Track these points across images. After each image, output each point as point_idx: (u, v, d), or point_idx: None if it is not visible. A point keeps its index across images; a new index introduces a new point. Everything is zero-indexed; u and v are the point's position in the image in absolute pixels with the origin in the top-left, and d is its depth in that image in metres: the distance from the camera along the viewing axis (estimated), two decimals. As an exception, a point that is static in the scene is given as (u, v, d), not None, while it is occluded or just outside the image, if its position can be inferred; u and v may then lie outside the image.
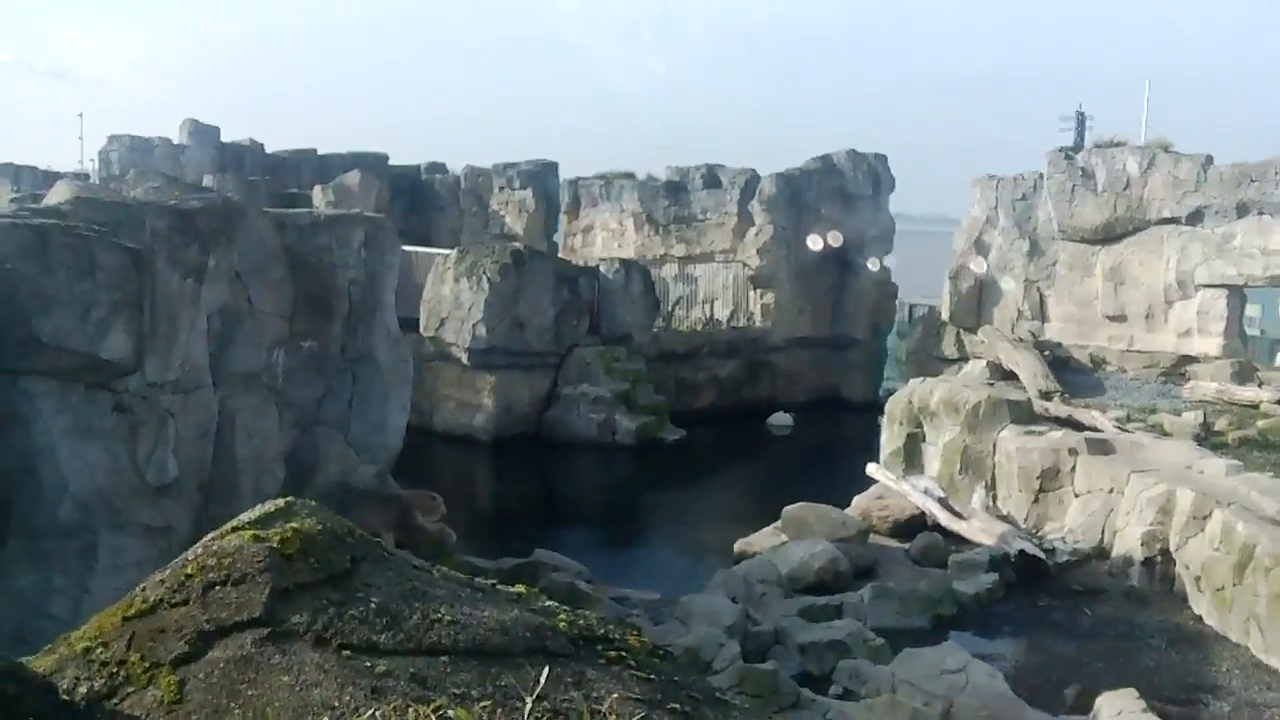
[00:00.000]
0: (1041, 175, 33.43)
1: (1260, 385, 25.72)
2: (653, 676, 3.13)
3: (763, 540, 20.14)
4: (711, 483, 29.58)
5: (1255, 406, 24.06)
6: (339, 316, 18.45)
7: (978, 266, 34.21)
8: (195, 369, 15.70)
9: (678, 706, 3.00)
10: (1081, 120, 36.08)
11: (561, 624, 3.27)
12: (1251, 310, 31.38)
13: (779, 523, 20.39)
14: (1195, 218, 30.01)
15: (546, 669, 2.71)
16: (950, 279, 34.98)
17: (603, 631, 3.30)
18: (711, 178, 40.40)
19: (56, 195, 16.88)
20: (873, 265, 39.19)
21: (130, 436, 14.25)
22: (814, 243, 37.95)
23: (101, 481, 13.78)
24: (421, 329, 31.33)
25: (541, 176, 44.66)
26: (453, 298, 31.28)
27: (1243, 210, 29.11)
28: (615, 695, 2.75)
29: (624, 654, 3.21)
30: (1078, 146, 34.31)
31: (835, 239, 38.06)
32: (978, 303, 34.58)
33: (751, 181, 39.17)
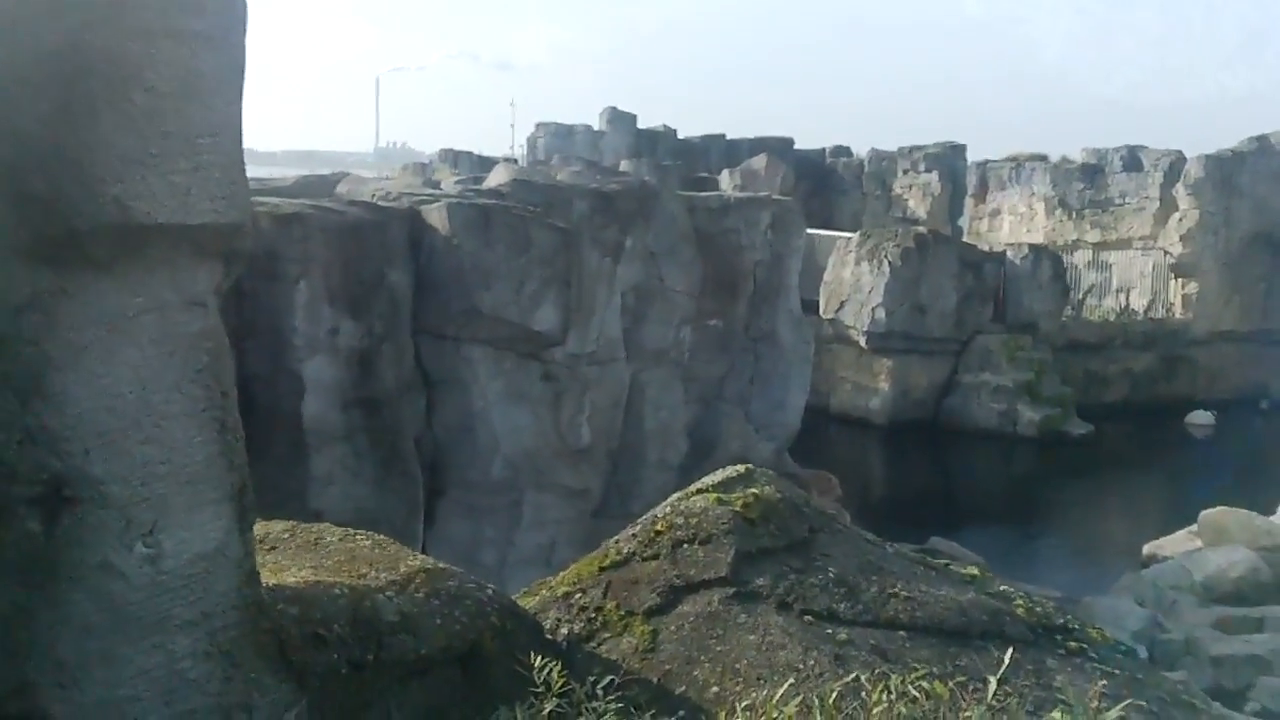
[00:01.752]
0: None
1: None
2: (1115, 671, 3.07)
3: (1175, 544, 19.04)
4: (1119, 481, 28.11)
5: None
6: (744, 296, 18.96)
7: None
8: (611, 342, 16.63)
9: (1144, 704, 2.92)
10: None
11: (1020, 609, 3.26)
12: None
13: (1194, 526, 19.21)
14: None
15: (1011, 651, 2.71)
16: None
17: (1062, 621, 3.27)
18: (1132, 159, 38.17)
19: (496, 178, 18.28)
20: None
21: (555, 403, 15.32)
22: None
23: (529, 444, 14.88)
24: (821, 311, 31.53)
25: (947, 159, 43.79)
26: (853, 280, 31.27)
27: None
28: (1097, 686, 2.70)
29: (1084, 646, 3.16)
30: None
31: None
32: None
33: (1177, 164, 36.70)
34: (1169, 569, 17.45)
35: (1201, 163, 35.99)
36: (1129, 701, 2.65)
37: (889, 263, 30.62)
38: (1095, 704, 2.51)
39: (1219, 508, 19.10)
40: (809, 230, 24.85)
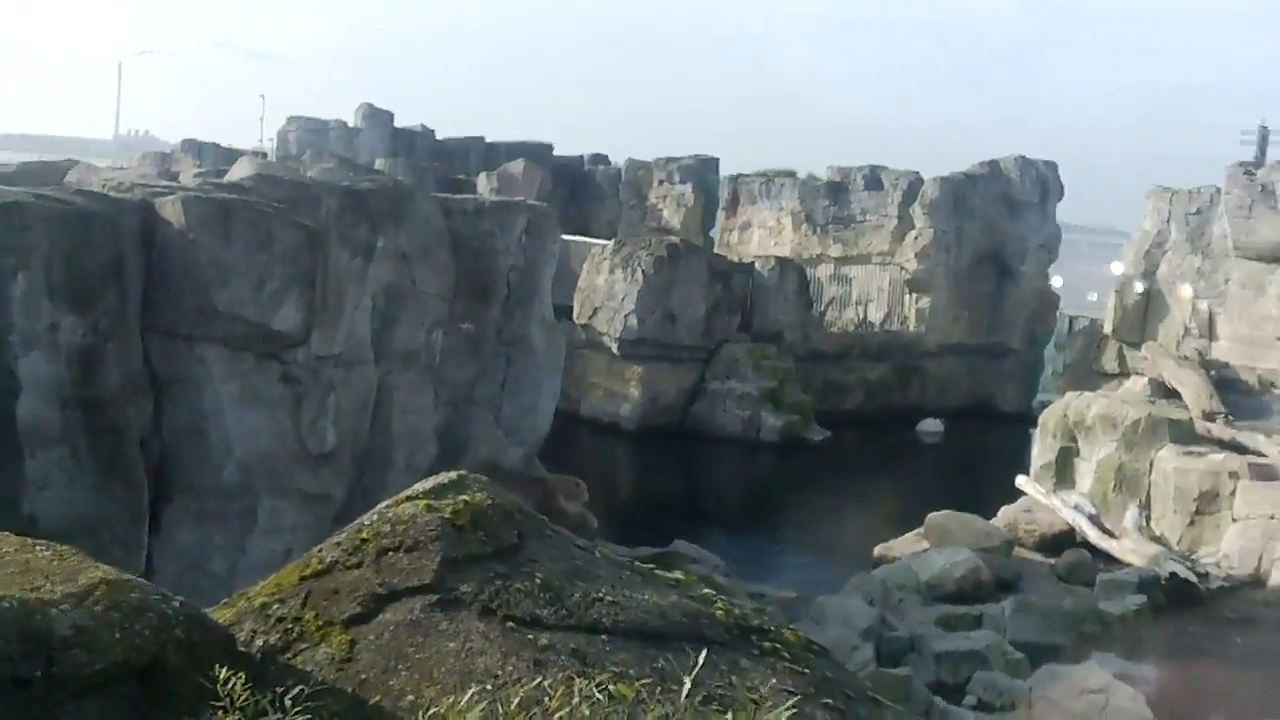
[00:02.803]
0: (1218, 190, 32.22)
1: None
2: (806, 670, 3.18)
3: (904, 546, 19.98)
4: (854, 485, 29.33)
5: None
6: (497, 300, 18.90)
7: (1140, 285, 33.21)
8: (358, 344, 16.28)
9: (830, 702, 3.04)
10: (1264, 135, 34.74)
11: (718, 612, 3.34)
12: None
13: (921, 529, 20.19)
14: (1379, 241, 28.60)
15: (704, 653, 2.78)
16: (1116, 292, 33.97)
17: (758, 623, 3.36)
18: (873, 179, 40.00)
19: (239, 171, 17.71)
20: (1056, 283, 38.52)
21: (295, 405, 14.86)
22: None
23: (265, 447, 14.39)
24: (574, 317, 31.77)
25: (702, 172, 44.82)
26: (607, 288, 31.64)
27: None
28: (768, 688, 2.80)
29: (778, 646, 3.26)
30: (1259, 162, 32.98)
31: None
32: (1143, 318, 33.50)
33: (914, 184, 38.68)
34: (897, 569, 18.27)
35: (937, 184, 38.00)
36: (798, 698, 2.76)
37: (642, 271, 31.12)
38: (769, 701, 2.60)
39: (944, 511, 20.11)
40: (564, 236, 25.02)
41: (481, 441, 18.68)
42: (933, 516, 20.03)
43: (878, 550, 20.19)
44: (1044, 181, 39.28)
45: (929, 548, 19.20)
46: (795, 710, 2.63)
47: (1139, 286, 33.46)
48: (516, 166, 42.14)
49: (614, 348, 31.48)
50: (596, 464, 27.67)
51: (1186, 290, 32.54)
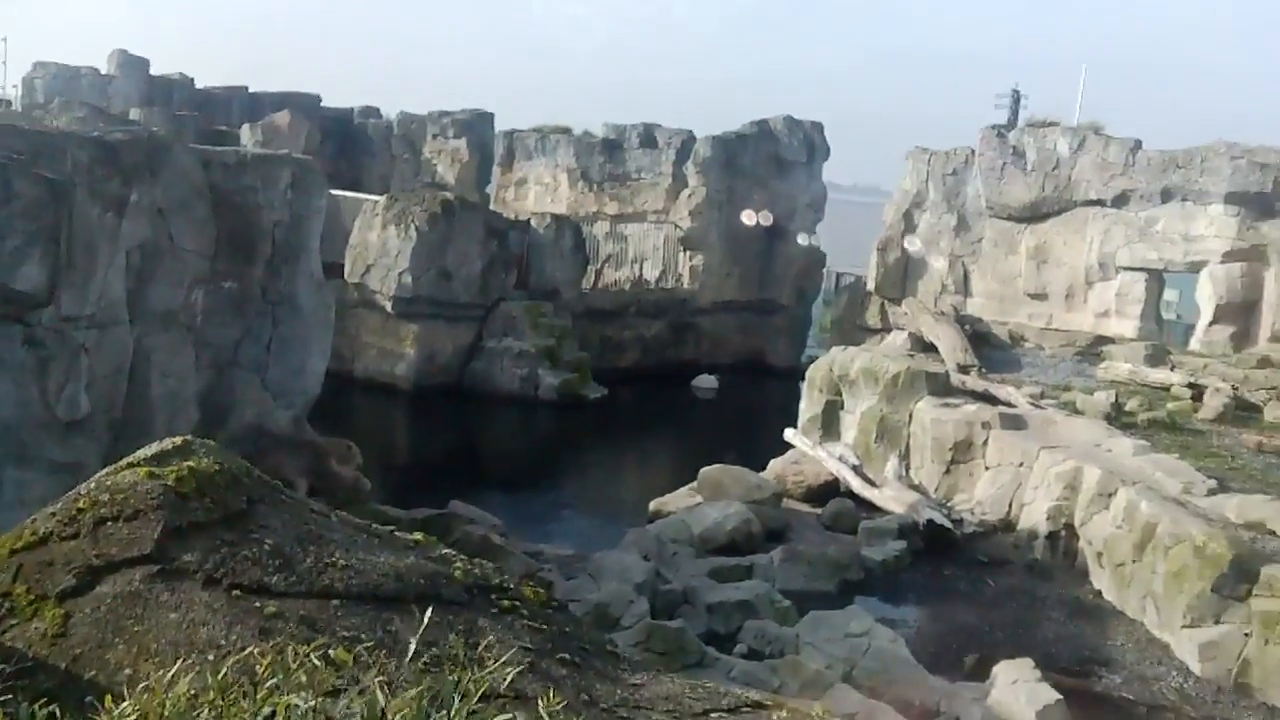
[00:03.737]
0: (973, 151, 33.77)
1: (1172, 369, 26.28)
2: (545, 627, 3.17)
3: (678, 500, 20.29)
4: (632, 442, 29.72)
5: (1166, 389, 24.59)
6: (261, 258, 18.22)
7: (910, 244, 34.57)
8: (111, 304, 15.45)
9: (567, 656, 3.03)
10: (1016, 99, 36.44)
11: (457, 572, 3.29)
12: (1169, 295, 32.10)
13: (695, 483, 20.54)
14: (1120, 201, 30.55)
15: (429, 612, 2.72)
16: (878, 250, 35.28)
17: (498, 581, 3.33)
18: (648, 137, 40.32)
19: (-27, 120, 16.47)
20: (803, 240, 39.47)
21: (41, 370, 14.00)
22: (747, 218, 38.16)
23: (8, 415, 13.54)
24: (346, 275, 31.03)
25: (477, 127, 44.26)
26: (379, 244, 30.99)
27: (1167, 196, 29.68)
28: (492, 639, 2.77)
29: (517, 604, 3.24)
30: (1011, 125, 34.68)
31: (766, 218, 38.30)
32: (903, 275, 34.95)
33: (687, 143, 39.17)
34: (671, 523, 18.55)
35: (709, 143, 38.58)
36: (532, 655, 2.75)
37: (416, 227, 30.59)
38: (499, 659, 2.58)
39: (717, 465, 20.50)
40: (333, 191, 24.34)
41: (247, 405, 18.06)
42: (705, 471, 20.41)
43: (653, 505, 20.46)
44: (811, 142, 40.37)
45: (702, 501, 19.56)
46: (523, 667, 2.61)
47: (903, 248, 34.82)
48: (282, 118, 40.71)
49: (388, 306, 30.91)
50: (371, 425, 27.18)
51: (942, 248, 34.05)
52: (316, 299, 19.27)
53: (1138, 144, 30.58)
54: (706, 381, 35.69)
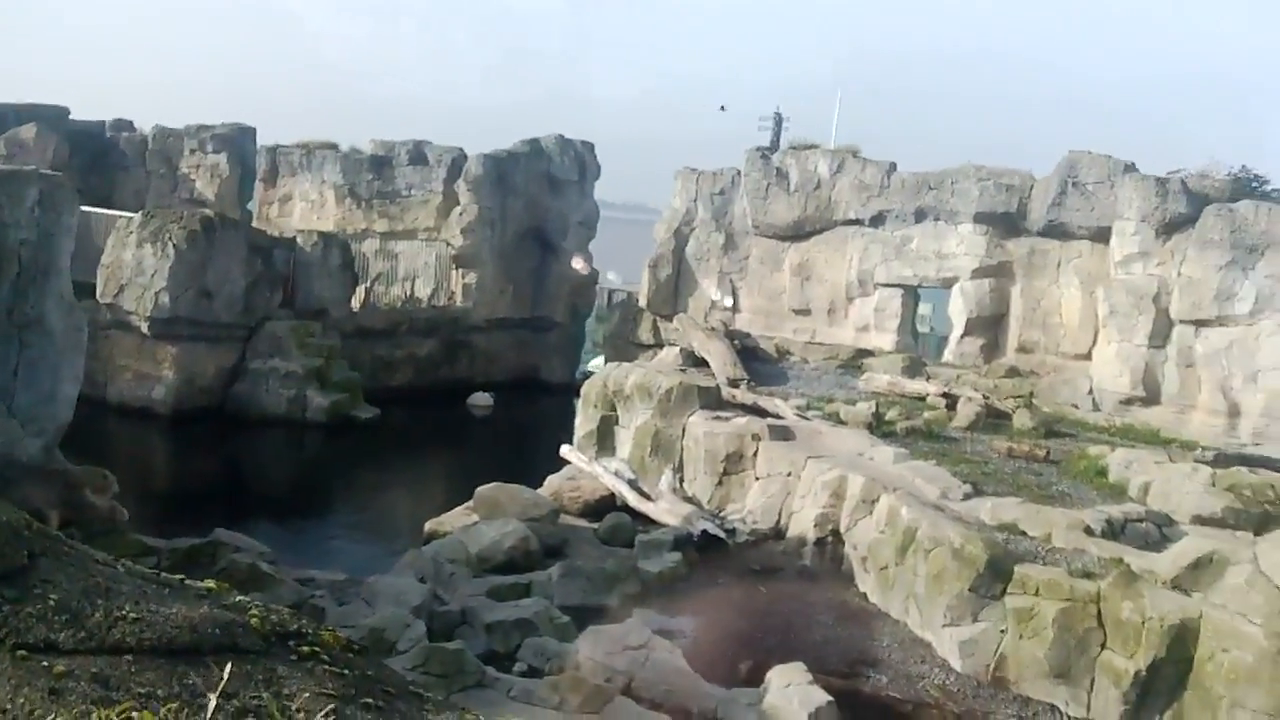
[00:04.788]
0: (739, 172, 34.77)
1: (928, 379, 27.70)
2: (346, 671, 3.13)
3: (454, 520, 20.13)
4: (406, 462, 29.31)
5: (922, 399, 25.87)
6: (7, 279, 17.17)
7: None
8: None
9: (371, 701, 3.01)
10: (779, 122, 37.64)
11: (253, 620, 3.22)
12: (923, 309, 33.75)
13: (471, 503, 20.43)
14: (878, 220, 32.00)
15: (230, 666, 2.66)
16: (649, 267, 35.89)
17: (296, 627, 3.27)
18: (418, 154, 39.91)
19: None
20: (578, 265, 39.83)
21: None
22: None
23: None
24: (98, 295, 29.55)
25: (238, 141, 42.84)
26: (134, 263, 29.64)
27: (920, 216, 31.24)
28: (307, 694, 2.73)
29: (317, 649, 3.19)
30: (774, 147, 35.84)
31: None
32: (674, 291, 35.65)
33: (458, 160, 38.96)
34: (447, 544, 18.37)
35: (480, 161, 38.48)
36: (336, 701, 2.72)
37: (174, 245, 29.40)
38: (304, 709, 2.55)
39: (493, 483, 20.42)
40: (84, 208, 23.14)
41: (-7, 434, 17.01)
42: (482, 489, 20.31)
43: (429, 526, 20.22)
44: (582, 160, 40.78)
45: (479, 520, 19.45)
46: (334, 714, 2.58)
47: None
48: (27, 132, 38.56)
49: (144, 327, 29.58)
50: (128, 452, 25.97)
51: (711, 266, 34.92)
52: (67, 321, 18.26)
53: (893, 166, 32.13)
54: (481, 399, 35.55)
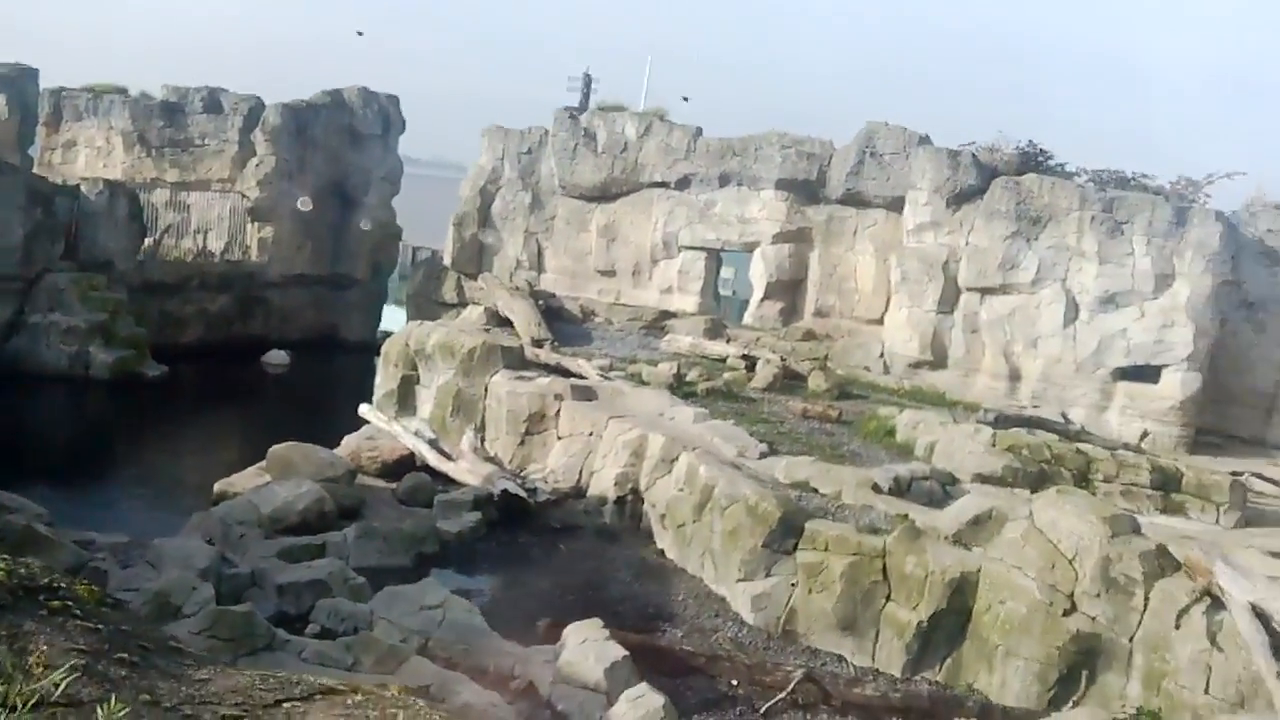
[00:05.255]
0: (547, 132, 34.59)
1: (729, 341, 28.23)
2: (100, 626, 2.97)
3: (245, 481, 19.57)
4: (195, 422, 28.34)
5: (723, 360, 26.36)
6: None
7: (303, 204, 35.42)
8: None
9: (126, 656, 2.86)
10: (588, 83, 37.55)
11: (-2, 574, 3.02)
12: (726, 272, 34.29)
13: (263, 463, 19.89)
14: (683, 184, 32.33)
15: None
16: (454, 225, 35.45)
17: (47, 581, 3.08)
18: (213, 101, 38.40)
19: None
20: (365, 225, 38.88)
21: None
22: (303, 204, 37.35)
23: None
24: None
25: (18, 83, 40.21)
26: (-101, 208, 27.73)
27: (724, 180, 31.72)
28: (50, 648, 2.57)
29: (70, 604, 3.01)
30: (583, 107, 35.77)
31: (305, 204, 37.59)
32: (479, 250, 35.31)
33: (256, 110, 37.67)
34: (238, 505, 17.81)
35: (279, 111, 37.25)
36: (84, 662, 2.57)
37: (-56, 190, 27.62)
38: (48, 665, 2.40)
39: (287, 443, 19.90)
40: None
41: None
42: (275, 449, 19.78)
43: (218, 486, 19.58)
44: (386, 114, 39.91)
45: (271, 481, 18.96)
46: (77, 673, 2.43)
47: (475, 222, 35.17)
48: None
49: (-89, 277, 27.77)
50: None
51: (517, 225, 34.71)
52: None
53: (699, 131, 32.49)
54: (277, 358, 34.61)
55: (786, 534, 15.49)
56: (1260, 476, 21.25)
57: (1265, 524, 18.58)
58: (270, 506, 17.51)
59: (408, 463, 20.87)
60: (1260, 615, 12.53)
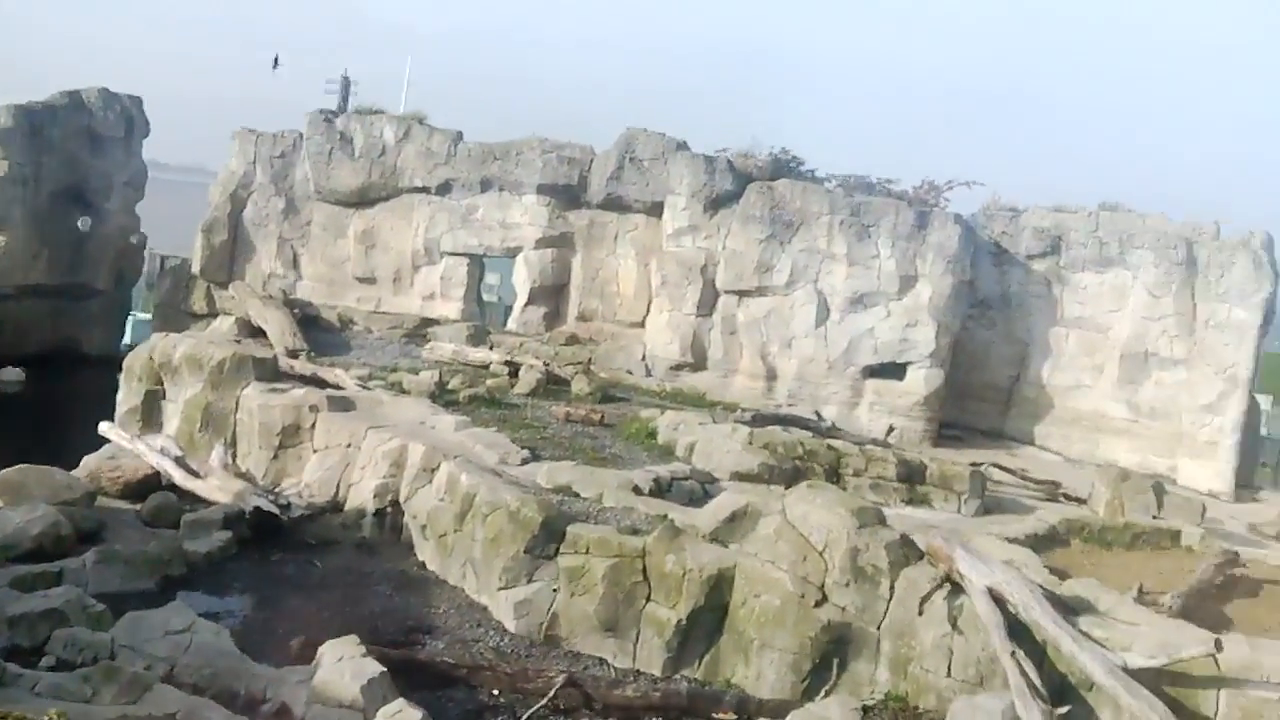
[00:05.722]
0: (301, 135, 33.64)
1: (492, 347, 28.03)
2: None
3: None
4: (-83, 445, 26.29)
5: (486, 367, 26.14)
6: None
7: (84, 225, 34.32)
8: None
9: None
10: (347, 85, 36.62)
11: None
12: (490, 278, 34.06)
13: (-10, 487, 18.59)
14: (444, 189, 32.00)
15: None
16: (203, 232, 34.08)
17: None
18: (-71, 100, 35.75)
19: None
20: (83, 225, 36.91)
21: None
22: (83, 224, 35.50)
23: None
24: None
25: None
26: None
27: (486, 186, 31.56)
28: None
29: None
30: (341, 110, 34.90)
31: (84, 224, 35.83)
32: (230, 258, 34.06)
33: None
34: (-37, 533, 16.61)
35: (10, 112, 35.01)
36: None
37: None
38: None
39: (19, 466, 18.70)
40: None
41: None
42: (4, 473, 18.48)
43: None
44: (129, 116, 38.01)
45: (2, 506, 17.75)
46: None
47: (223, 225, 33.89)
48: None
49: None
50: None
51: (270, 231, 33.63)
52: None
53: (459, 135, 32.22)
54: (10, 374, 32.58)
55: (548, 539, 15.42)
56: (999, 466, 22.49)
57: (1003, 511, 19.64)
58: (1, 534, 16.39)
59: (153, 482, 19.86)
60: (997, 599, 13.13)
